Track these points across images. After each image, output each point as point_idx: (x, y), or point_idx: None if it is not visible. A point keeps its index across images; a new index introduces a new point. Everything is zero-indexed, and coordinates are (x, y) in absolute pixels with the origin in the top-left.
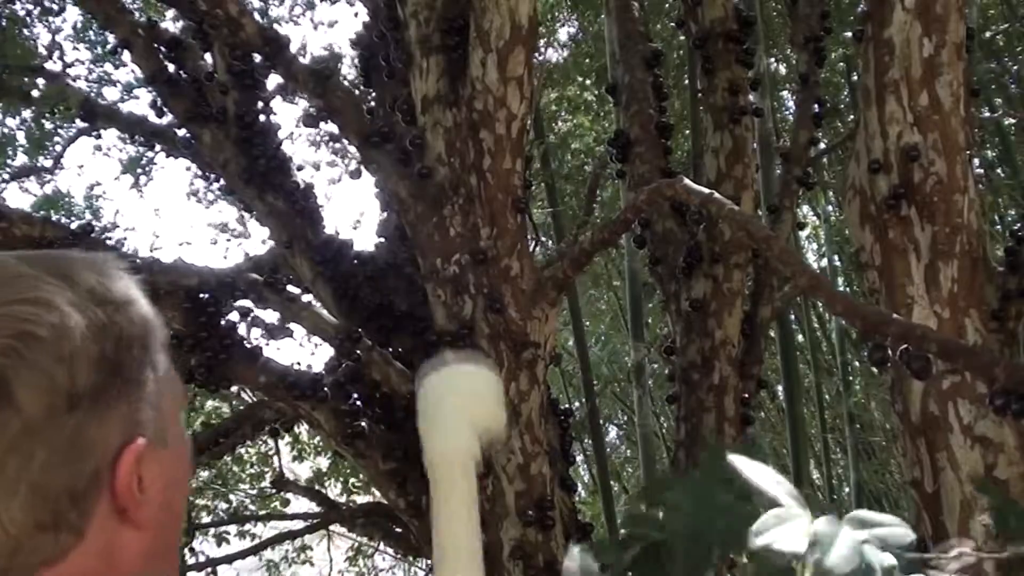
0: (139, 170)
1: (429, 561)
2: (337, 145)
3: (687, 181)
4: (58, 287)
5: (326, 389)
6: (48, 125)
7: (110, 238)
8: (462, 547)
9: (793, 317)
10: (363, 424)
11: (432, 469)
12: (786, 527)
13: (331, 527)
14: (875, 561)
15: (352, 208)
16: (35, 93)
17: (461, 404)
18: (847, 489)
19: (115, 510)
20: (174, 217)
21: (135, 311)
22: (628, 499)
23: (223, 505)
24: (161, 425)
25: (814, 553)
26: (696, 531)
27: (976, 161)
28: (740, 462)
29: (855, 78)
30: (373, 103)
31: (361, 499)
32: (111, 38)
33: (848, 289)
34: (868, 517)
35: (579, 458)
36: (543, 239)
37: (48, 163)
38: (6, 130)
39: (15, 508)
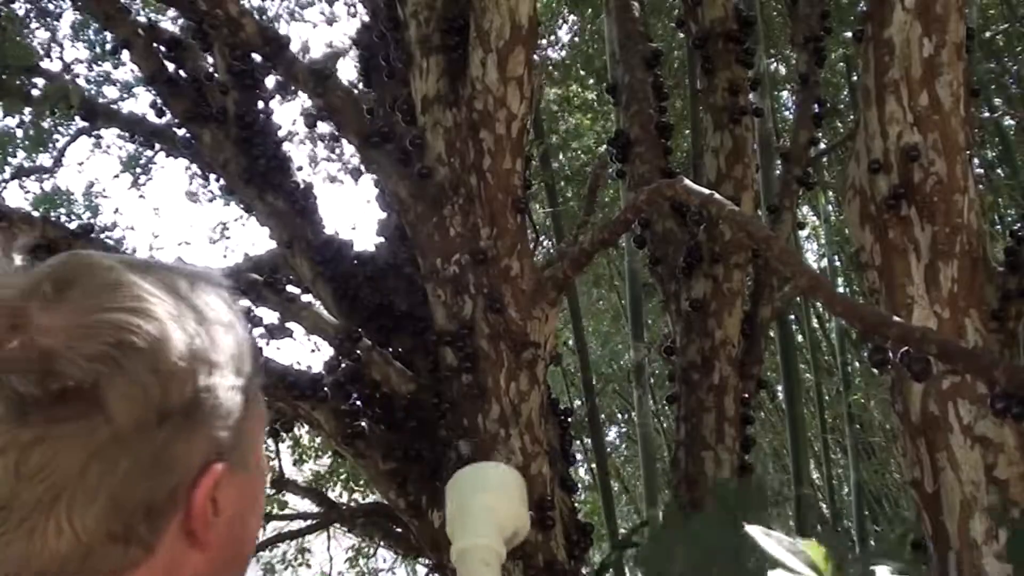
0: (138, 169)
1: (429, 561)
2: (335, 144)
3: (687, 181)
4: (160, 299)
5: (326, 389)
6: (47, 123)
7: (110, 238)
8: None
9: (793, 317)
10: (363, 424)
11: (459, 565)
12: None
13: (331, 527)
14: None
15: (352, 208)
16: (35, 92)
17: (489, 503)
18: (847, 489)
19: (185, 530)
20: (174, 217)
21: (233, 334)
22: (640, 543)
23: None
24: (244, 450)
25: None
26: (691, 571)
27: (976, 161)
28: (756, 532)
29: (855, 78)
30: (373, 103)
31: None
32: (110, 37)
33: (847, 290)
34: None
35: (579, 457)
36: (543, 239)
37: (48, 162)
38: (5, 128)
39: (90, 516)
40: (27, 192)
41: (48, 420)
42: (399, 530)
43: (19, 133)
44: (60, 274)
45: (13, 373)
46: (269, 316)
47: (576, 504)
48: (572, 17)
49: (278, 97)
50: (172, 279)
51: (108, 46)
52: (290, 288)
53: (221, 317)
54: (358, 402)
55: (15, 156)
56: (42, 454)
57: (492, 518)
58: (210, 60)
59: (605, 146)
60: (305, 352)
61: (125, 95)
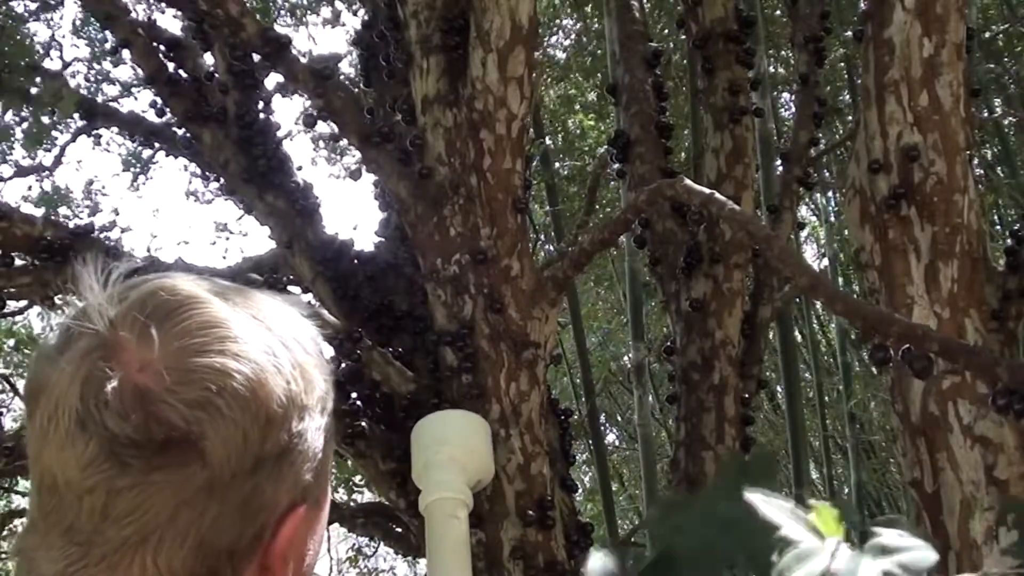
0: (138, 168)
1: None
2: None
3: (687, 181)
4: (257, 339)
5: None
6: (46, 121)
7: (108, 238)
8: None
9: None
10: (363, 424)
11: (427, 518)
12: (808, 564)
13: (331, 527)
14: None
15: (352, 208)
16: (33, 91)
17: (454, 454)
18: (847, 489)
19: (261, 566)
20: (173, 217)
21: (322, 371)
22: (646, 516)
23: None
24: (319, 488)
25: None
26: (702, 546)
27: (976, 161)
28: (756, 499)
29: (855, 78)
30: (373, 103)
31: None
32: (111, 36)
33: (847, 290)
34: (890, 543)
35: (579, 459)
36: (542, 239)
37: (48, 161)
38: (5, 124)
39: (177, 558)
40: (29, 190)
41: (146, 468)
42: (399, 530)
43: (19, 132)
44: (153, 306)
45: (109, 412)
46: None
47: (576, 506)
48: (568, 23)
49: (279, 96)
50: (264, 312)
51: (108, 45)
52: (290, 288)
53: (312, 355)
54: (358, 402)
55: (12, 152)
56: (133, 499)
57: (457, 469)
58: (210, 60)
59: (606, 146)
60: None
61: (127, 93)
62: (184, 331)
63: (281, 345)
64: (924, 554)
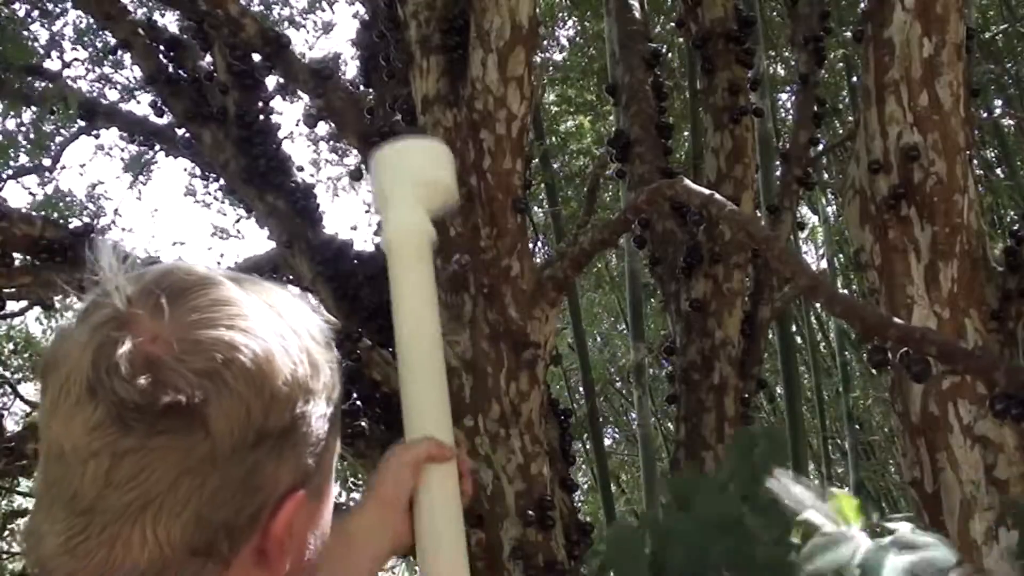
0: (139, 170)
1: None
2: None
3: (687, 181)
4: (268, 320)
5: None
6: (49, 126)
7: (108, 238)
8: (424, 334)
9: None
10: (363, 424)
11: (389, 253)
12: (835, 552)
13: None
14: None
15: (352, 209)
16: (35, 93)
17: (414, 181)
18: (847, 489)
19: (257, 550)
20: (171, 217)
21: (329, 362)
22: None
23: None
24: (321, 479)
25: None
26: (694, 554)
27: (975, 161)
28: (780, 487)
29: (855, 78)
30: (373, 103)
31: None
32: (111, 38)
33: (847, 290)
34: (912, 540)
35: (578, 460)
36: (542, 239)
37: (48, 163)
38: (7, 131)
39: (176, 529)
40: (33, 197)
41: (150, 431)
42: None
43: (20, 137)
44: (169, 283)
45: (118, 378)
46: None
47: (576, 505)
48: (570, 23)
49: (280, 97)
50: (275, 299)
51: (108, 47)
52: (290, 288)
53: (320, 344)
54: (358, 402)
55: (17, 160)
56: (136, 463)
57: (416, 198)
58: (210, 60)
59: (605, 146)
60: None
61: (129, 97)
62: (196, 307)
63: (290, 330)
64: (945, 553)
